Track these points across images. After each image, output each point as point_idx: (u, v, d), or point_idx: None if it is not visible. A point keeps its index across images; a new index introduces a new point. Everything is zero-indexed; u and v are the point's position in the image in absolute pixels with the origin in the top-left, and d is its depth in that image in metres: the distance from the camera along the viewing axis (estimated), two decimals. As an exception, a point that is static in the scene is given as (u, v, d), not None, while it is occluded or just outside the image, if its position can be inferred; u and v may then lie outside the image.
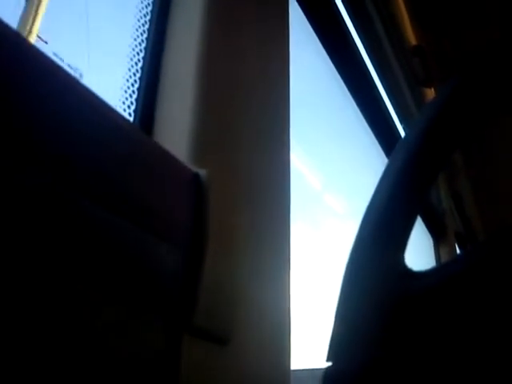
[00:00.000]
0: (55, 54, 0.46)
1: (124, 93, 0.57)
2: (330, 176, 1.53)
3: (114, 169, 0.41)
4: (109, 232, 0.40)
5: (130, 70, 0.59)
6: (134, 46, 0.60)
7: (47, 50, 0.38)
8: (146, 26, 0.62)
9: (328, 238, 1.41)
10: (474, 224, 2.69)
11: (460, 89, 0.38)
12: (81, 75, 0.49)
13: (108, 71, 0.59)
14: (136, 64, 0.60)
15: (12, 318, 0.33)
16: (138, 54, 0.60)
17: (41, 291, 0.35)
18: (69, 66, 0.48)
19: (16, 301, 0.33)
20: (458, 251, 2.30)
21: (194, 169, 0.51)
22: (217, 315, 0.50)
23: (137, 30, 0.61)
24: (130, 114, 0.57)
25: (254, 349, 0.57)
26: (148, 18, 0.62)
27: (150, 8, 0.63)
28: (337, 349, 0.37)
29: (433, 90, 1.83)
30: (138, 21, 0.61)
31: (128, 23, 0.60)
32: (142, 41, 0.61)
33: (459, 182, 2.41)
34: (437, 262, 2.09)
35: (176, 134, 0.55)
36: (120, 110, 0.56)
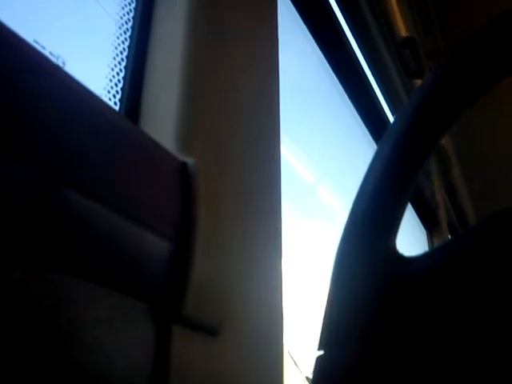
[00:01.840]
0: (36, 42, 0.45)
1: (109, 82, 0.56)
2: (324, 169, 1.53)
3: (100, 158, 0.41)
4: (93, 222, 0.39)
5: (115, 58, 0.58)
6: (118, 35, 0.59)
7: (28, 37, 0.37)
8: (131, 14, 0.61)
9: (321, 232, 1.41)
10: (467, 215, 2.70)
11: (446, 74, 0.38)
12: (63, 63, 0.48)
13: (92, 59, 0.58)
14: (121, 53, 0.59)
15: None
16: (123, 42, 0.59)
17: (21, 285, 0.34)
18: (51, 53, 0.47)
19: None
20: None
21: (182, 158, 0.50)
22: (207, 306, 0.50)
23: (121, 18, 0.60)
24: (115, 103, 0.56)
25: (246, 340, 0.57)
26: (133, 5, 0.61)
27: (134, -5, 0.62)
28: (328, 337, 0.36)
29: (423, 80, 1.83)
30: (123, 8, 0.60)
31: (113, 11, 0.59)
32: (128, 29, 0.60)
33: (452, 172, 2.42)
34: (430, 253, 2.09)
35: (163, 123, 0.54)
36: (106, 99, 0.55)
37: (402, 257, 0.36)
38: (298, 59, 1.34)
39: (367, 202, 0.38)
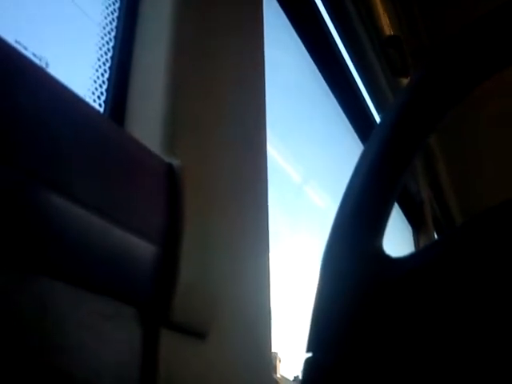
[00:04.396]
0: (18, 42, 0.44)
1: (94, 83, 0.56)
2: (310, 168, 1.53)
3: (84, 161, 0.40)
4: (77, 226, 0.38)
5: (99, 59, 0.57)
6: (103, 35, 0.58)
7: (9, 37, 0.37)
8: (116, 14, 0.60)
9: (308, 231, 1.41)
10: (452, 212, 2.73)
11: (432, 73, 0.38)
12: (47, 64, 0.48)
13: (76, 60, 0.57)
14: (106, 53, 0.58)
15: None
16: (107, 42, 0.58)
17: (5, 290, 0.33)
18: (33, 54, 0.47)
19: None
20: (437, 240, 2.32)
21: (168, 159, 0.50)
22: (195, 309, 0.49)
23: (105, 18, 0.59)
24: (100, 105, 0.56)
25: (234, 342, 0.57)
26: (117, 5, 0.61)
27: (119, -5, 0.61)
28: (316, 339, 0.36)
29: (409, 79, 1.84)
30: (107, 8, 0.59)
31: (96, 10, 0.59)
32: (112, 29, 0.59)
33: (437, 170, 2.44)
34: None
35: (149, 124, 0.53)
36: (90, 101, 0.54)
37: (388, 257, 0.36)
38: (284, 58, 1.34)
39: (354, 202, 0.38)
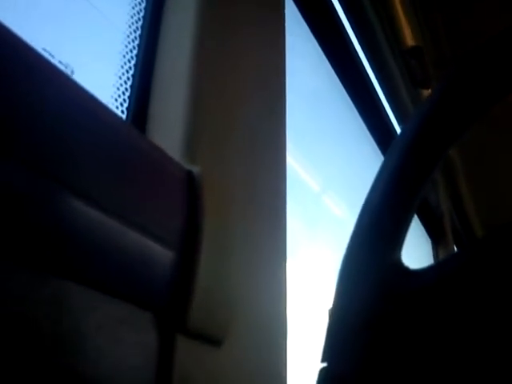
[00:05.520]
0: (45, 50, 0.45)
1: (117, 90, 0.57)
2: (329, 178, 1.53)
3: (105, 166, 0.41)
4: (97, 230, 0.39)
5: (122, 67, 0.58)
6: (126, 43, 0.59)
7: (37, 45, 0.38)
8: (140, 23, 0.61)
9: (326, 241, 1.40)
10: (472, 225, 2.69)
11: (454, 85, 0.38)
12: (72, 72, 0.49)
13: (100, 68, 0.58)
14: (129, 61, 0.59)
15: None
16: (131, 51, 0.59)
17: (22, 292, 0.34)
18: (60, 62, 0.48)
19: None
20: (456, 253, 2.29)
21: (188, 167, 0.50)
22: (211, 316, 0.49)
23: (130, 27, 0.60)
24: (122, 112, 0.57)
25: (250, 350, 0.57)
26: (141, 14, 0.62)
27: (143, 4, 0.62)
28: (332, 349, 0.36)
29: (430, 91, 1.83)
30: (132, 17, 0.60)
31: (121, 19, 0.60)
32: (136, 38, 0.60)
33: (458, 183, 2.41)
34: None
35: (170, 131, 0.54)
36: (113, 108, 0.55)
37: (407, 269, 0.35)
38: (305, 66, 1.34)
39: (373, 214, 0.37)
